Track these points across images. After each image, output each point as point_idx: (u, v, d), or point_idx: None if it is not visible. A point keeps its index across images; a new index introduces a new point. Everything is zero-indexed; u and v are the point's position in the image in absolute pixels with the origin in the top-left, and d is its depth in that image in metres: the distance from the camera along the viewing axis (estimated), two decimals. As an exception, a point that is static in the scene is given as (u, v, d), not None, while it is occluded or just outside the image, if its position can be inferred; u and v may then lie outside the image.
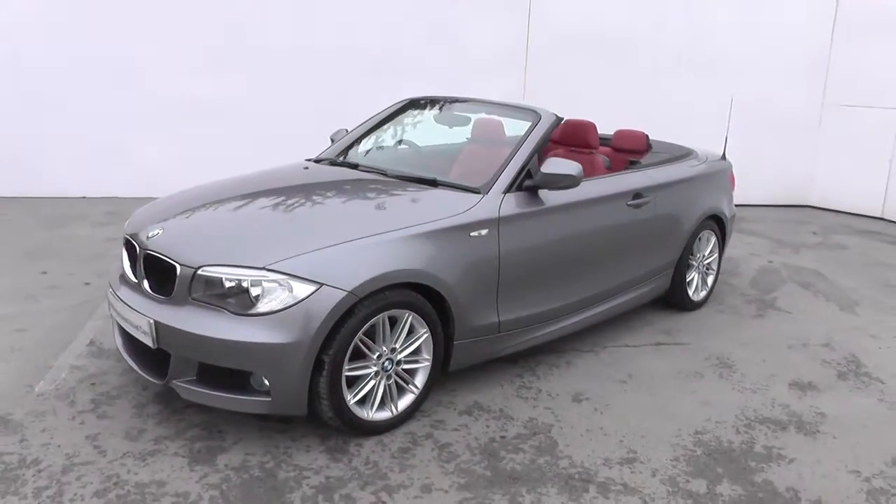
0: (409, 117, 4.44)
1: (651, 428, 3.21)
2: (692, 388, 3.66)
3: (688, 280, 4.70)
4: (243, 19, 7.41)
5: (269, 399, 2.71)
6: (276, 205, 3.24)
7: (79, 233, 6.05)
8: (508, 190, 3.40)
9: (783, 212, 8.58)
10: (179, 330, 2.72)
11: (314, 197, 3.33)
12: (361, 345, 2.83)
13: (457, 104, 4.28)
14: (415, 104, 4.50)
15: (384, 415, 2.98)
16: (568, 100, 7.33)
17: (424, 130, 4.39)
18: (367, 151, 4.18)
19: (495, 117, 4.11)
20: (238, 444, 2.88)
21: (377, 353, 2.90)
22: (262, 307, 2.67)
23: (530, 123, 3.70)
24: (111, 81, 7.21)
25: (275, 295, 2.67)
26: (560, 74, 8.12)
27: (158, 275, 2.93)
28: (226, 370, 2.74)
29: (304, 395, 2.73)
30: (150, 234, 3.03)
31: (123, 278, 3.19)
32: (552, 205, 3.54)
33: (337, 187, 3.51)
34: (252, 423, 3.04)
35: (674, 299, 4.69)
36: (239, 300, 2.70)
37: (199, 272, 2.74)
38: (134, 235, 3.15)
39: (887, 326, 4.74)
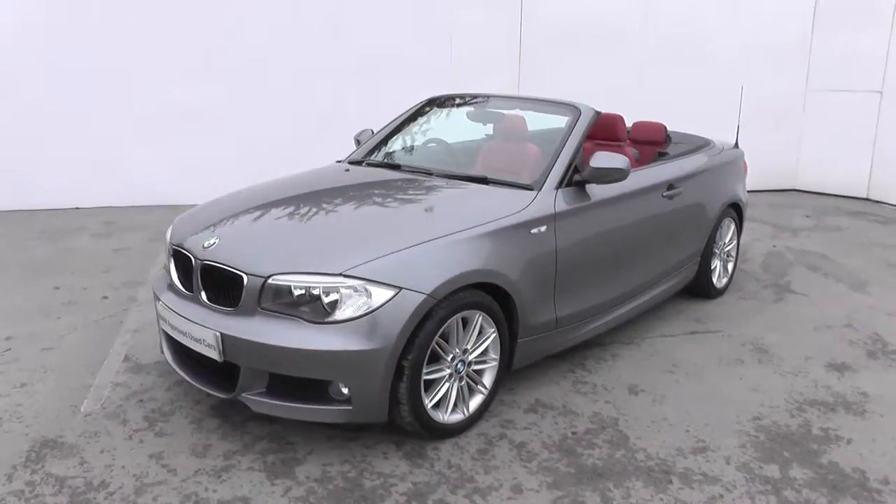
0: (434, 115, 4.40)
1: (711, 416, 3.25)
2: (737, 375, 3.71)
3: (712, 268, 4.77)
4: (232, 23, 7.25)
5: (350, 407, 2.66)
6: (331, 208, 3.18)
7: (81, 245, 5.85)
8: (559, 185, 3.40)
9: (772, 196, 8.76)
10: (251, 341, 2.65)
11: (368, 199, 3.28)
12: (437, 347, 2.79)
13: (491, 100, 4.26)
14: (435, 102, 4.46)
15: (457, 417, 2.95)
16: (561, 91, 7.32)
17: (450, 128, 4.36)
18: (401, 151, 4.12)
19: (519, 112, 4.09)
20: (312, 455, 2.82)
21: (450, 356, 2.87)
22: (339, 314, 2.61)
23: (570, 118, 3.70)
24: (98, 90, 6.99)
25: (352, 301, 2.61)
26: (553, 66, 8.14)
27: (217, 285, 2.84)
28: (299, 380, 2.68)
29: (385, 402, 2.68)
30: (205, 245, 2.93)
31: (172, 289, 3.09)
32: (599, 199, 3.55)
33: (387, 188, 3.46)
34: (319, 432, 2.98)
35: (699, 287, 4.76)
36: (314, 308, 2.63)
37: (270, 281, 2.67)
38: (183, 246, 3.05)
39: (902, 305, 4.89)
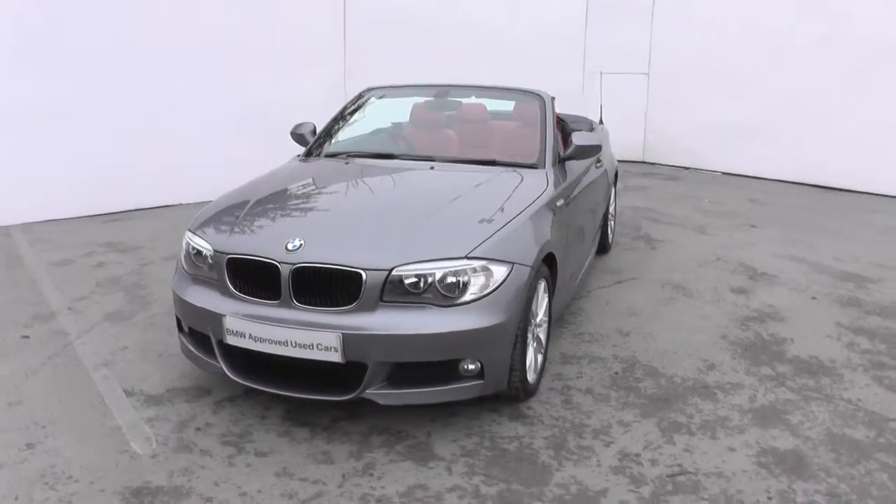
0: (380, 105, 4.50)
1: (693, 342, 3.95)
2: (680, 308, 4.50)
3: (609, 226, 5.57)
4: (62, 13, 6.30)
5: (482, 381, 2.82)
6: (388, 199, 3.24)
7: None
8: (554, 163, 3.81)
9: (572, 166, 10.09)
10: (381, 335, 2.66)
11: (413, 187, 3.38)
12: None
13: (453, 89, 4.48)
14: (374, 93, 4.57)
15: (533, 377, 3.24)
16: (386, 81, 7.78)
17: (396, 116, 4.51)
18: (380, 141, 4.19)
19: (475, 99, 4.41)
20: (434, 437, 2.91)
21: (535, 321, 3.15)
22: (467, 295, 2.75)
23: (538, 104, 4.12)
24: None
25: (476, 280, 2.76)
26: (377, 58, 8.41)
27: (311, 287, 2.77)
28: (422, 365, 2.76)
29: (507, 371, 2.89)
30: (289, 248, 2.81)
31: (234, 298, 2.89)
32: (574, 172, 4.04)
33: (418, 175, 3.58)
34: (409, 417, 3.04)
35: (601, 244, 5.52)
36: (441, 292, 2.73)
37: (395, 273, 2.70)
38: (252, 253, 2.87)
39: (736, 238, 6.18)
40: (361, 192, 3.33)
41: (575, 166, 4.08)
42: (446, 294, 2.74)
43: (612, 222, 5.88)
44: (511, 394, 3.05)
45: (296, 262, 2.77)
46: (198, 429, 3.00)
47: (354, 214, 3.11)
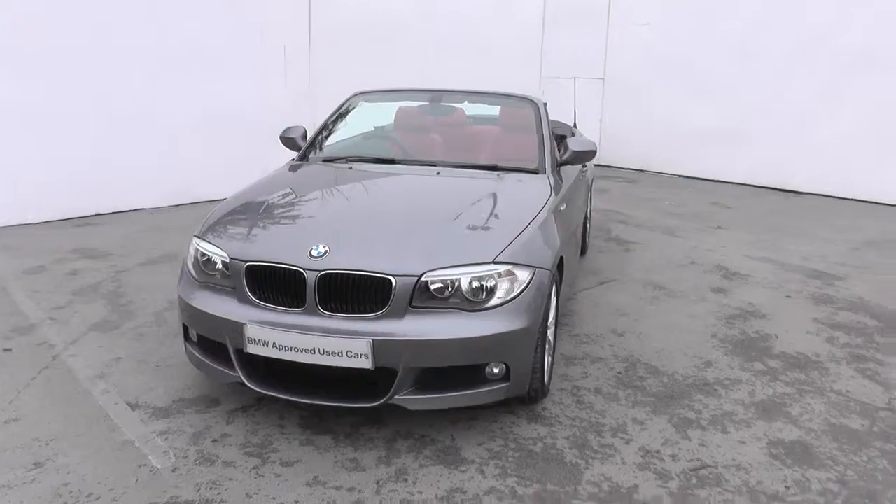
0: (371, 110, 4.49)
1: (685, 340, 4.09)
2: (666, 308, 4.64)
3: (586, 227, 5.70)
4: (38, 12, 6.02)
5: (508, 384, 2.85)
6: (401, 204, 3.24)
7: None
8: (553, 168, 3.89)
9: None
10: (412, 341, 2.66)
11: (426, 192, 3.39)
12: None
13: (445, 94, 4.49)
14: (362, 97, 4.56)
15: (547, 378, 3.30)
16: (353, 83, 7.75)
17: (387, 121, 4.51)
18: (378, 146, 4.17)
19: (471, 105, 4.46)
20: (459, 440, 2.92)
21: (549, 322, 3.21)
22: (494, 299, 2.78)
23: (531, 109, 4.18)
24: None
25: (503, 285, 2.80)
26: (342, 60, 8.36)
27: (334, 294, 2.75)
28: (449, 370, 2.78)
29: (530, 373, 2.94)
30: (314, 254, 2.78)
31: (255, 307, 2.84)
32: (568, 176, 4.13)
33: (426, 181, 3.59)
34: (430, 421, 3.05)
35: (581, 245, 5.64)
36: (469, 297, 2.75)
37: (424, 279, 2.71)
38: (274, 260, 2.83)
39: (707, 240, 6.41)
40: (374, 198, 3.32)
41: (569, 171, 4.17)
42: (472, 299, 2.76)
43: (589, 224, 6.01)
44: (530, 396, 3.10)
45: (322, 268, 2.74)
46: (215, 440, 2.93)
47: (373, 220, 3.10)
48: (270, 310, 2.82)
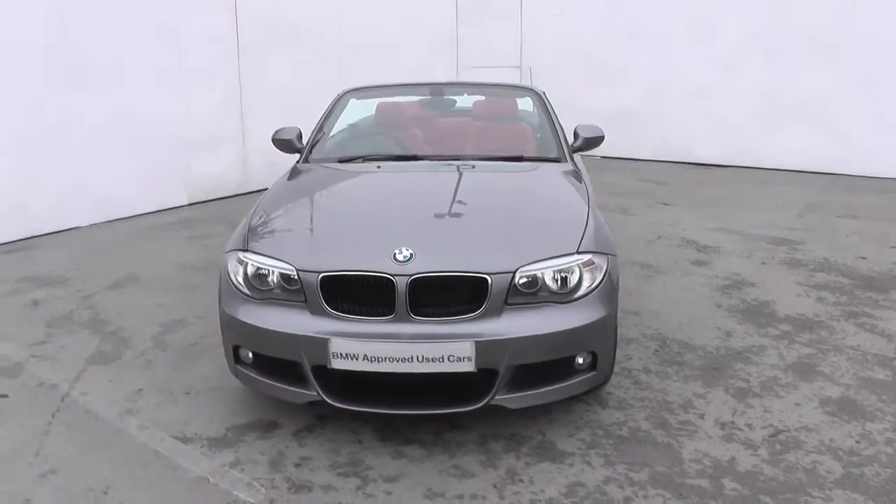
0: (365, 107, 4.34)
1: (697, 313, 4.25)
2: (663, 283, 4.82)
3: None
4: None
5: (595, 373, 2.85)
6: (462, 200, 3.17)
7: None
8: (570, 155, 3.93)
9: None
10: (515, 339, 2.61)
11: (479, 188, 3.36)
12: None
13: (447, 86, 4.39)
14: (353, 94, 4.41)
15: (612, 364, 3.32)
16: (278, 85, 7.68)
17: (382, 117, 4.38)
18: (390, 143, 4.01)
19: (482, 97, 4.42)
20: (550, 435, 2.89)
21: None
22: (582, 289, 2.77)
23: (537, 100, 4.20)
24: None
25: (587, 274, 2.80)
26: (267, 62, 8.00)
27: (425, 297, 2.65)
28: (538, 365, 2.75)
29: (612, 360, 2.96)
30: (399, 259, 2.66)
31: (343, 321, 2.68)
32: (578, 162, 4.19)
33: (473, 175, 3.52)
34: (511, 419, 2.99)
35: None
36: (559, 289, 2.73)
37: (519, 275, 2.66)
38: (354, 268, 2.68)
39: (661, 216, 6.70)
40: (428, 197, 3.20)
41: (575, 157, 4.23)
42: (558, 291, 2.74)
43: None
44: (604, 381, 3.13)
45: (413, 272, 2.62)
46: (297, 465, 2.74)
47: (443, 219, 3.00)
48: (354, 321, 2.66)
